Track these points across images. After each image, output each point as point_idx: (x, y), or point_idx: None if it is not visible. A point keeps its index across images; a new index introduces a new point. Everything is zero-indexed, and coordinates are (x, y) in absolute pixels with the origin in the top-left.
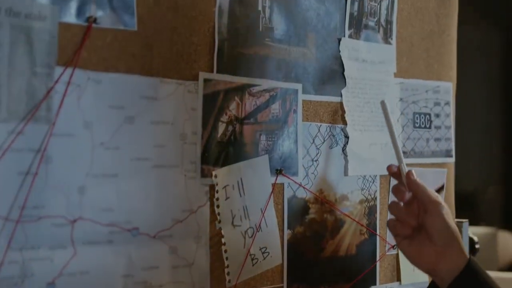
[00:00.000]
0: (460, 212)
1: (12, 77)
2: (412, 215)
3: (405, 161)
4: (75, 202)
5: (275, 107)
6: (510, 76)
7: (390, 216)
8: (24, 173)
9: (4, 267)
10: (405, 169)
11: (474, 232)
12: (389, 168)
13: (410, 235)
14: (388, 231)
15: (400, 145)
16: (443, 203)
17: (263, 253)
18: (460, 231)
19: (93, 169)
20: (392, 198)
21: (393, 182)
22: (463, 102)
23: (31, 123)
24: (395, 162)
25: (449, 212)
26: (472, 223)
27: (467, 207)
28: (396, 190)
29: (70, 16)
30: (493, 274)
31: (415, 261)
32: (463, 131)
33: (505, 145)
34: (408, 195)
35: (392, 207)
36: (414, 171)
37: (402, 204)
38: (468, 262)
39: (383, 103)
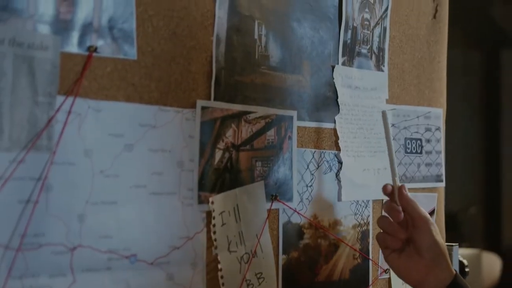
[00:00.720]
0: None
1: (14, 106)
2: (401, 229)
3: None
4: (74, 230)
5: (271, 133)
6: (490, 97)
7: (379, 230)
8: (25, 201)
9: None
10: (398, 184)
11: (459, 253)
12: (384, 187)
13: (398, 248)
14: (380, 253)
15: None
16: (431, 220)
17: (258, 278)
18: (450, 255)
19: (93, 196)
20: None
21: None
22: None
23: (32, 151)
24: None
25: (437, 229)
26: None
27: (449, 228)
28: (389, 208)
29: (72, 46)
30: None
31: (403, 275)
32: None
33: (485, 165)
34: (402, 215)
35: (381, 221)
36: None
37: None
38: (454, 278)
39: (384, 113)
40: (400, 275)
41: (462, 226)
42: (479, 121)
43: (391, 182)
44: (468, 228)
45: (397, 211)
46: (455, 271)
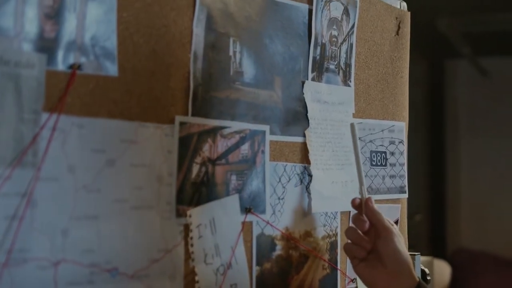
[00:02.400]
0: None
1: (1, 124)
2: (366, 239)
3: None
4: (58, 244)
5: (245, 148)
6: (434, 106)
7: (346, 240)
8: (10, 217)
9: None
10: (365, 193)
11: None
12: (353, 201)
13: (365, 258)
14: (348, 263)
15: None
16: (395, 230)
17: None
18: (413, 264)
19: (76, 211)
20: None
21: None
22: None
23: (18, 168)
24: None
25: (400, 240)
26: None
27: None
28: (356, 220)
29: (56, 64)
30: None
31: (369, 283)
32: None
33: (430, 173)
34: (367, 225)
35: (348, 231)
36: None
37: (360, 232)
38: (417, 285)
39: (352, 126)
40: (366, 284)
41: (408, 233)
42: (424, 130)
43: (357, 194)
44: (414, 235)
45: (363, 221)
46: (419, 278)
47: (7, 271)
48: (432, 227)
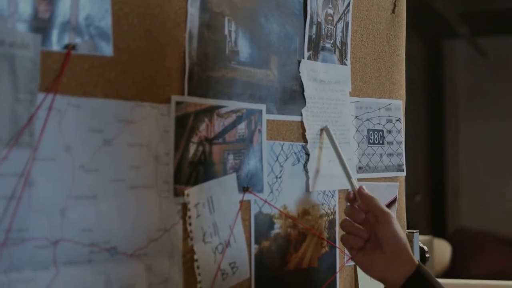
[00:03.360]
0: None
1: None
2: (363, 229)
3: (361, 175)
4: (56, 224)
5: (242, 127)
6: (431, 84)
7: (342, 232)
8: (8, 197)
9: None
10: (356, 185)
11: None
12: (348, 196)
13: (362, 247)
14: None
15: (355, 161)
16: (392, 214)
17: (232, 268)
18: (411, 241)
19: (74, 191)
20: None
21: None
22: None
23: (15, 148)
24: (353, 177)
25: (398, 223)
26: None
27: None
28: (351, 211)
29: (51, 44)
30: None
31: (368, 270)
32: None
33: (429, 152)
34: (363, 215)
35: (343, 224)
36: (364, 186)
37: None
38: (416, 268)
39: (326, 129)
40: (366, 271)
41: (409, 214)
42: (423, 110)
43: (355, 172)
44: (414, 215)
45: (358, 212)
46: (418, 261)
47: (6, 250)
48: (432, 207)
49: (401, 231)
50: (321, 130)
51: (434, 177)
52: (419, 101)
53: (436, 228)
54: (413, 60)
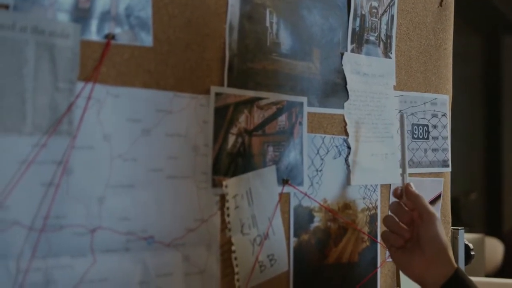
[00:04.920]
0: None
1: (36, 92)
2: (405, 228)
3: None
4: (94, 212)
5: (282, 119)
6: (490, 82)
7: (384, 228)
8: (47, 184)
9: (29, 274)
10: (406, 180)
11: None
12: (395, 191)
13: (402, 246)
14: None
15: (399, 156)
16: (437, 215)
17: (270, 260)
18: (456, 238)
19: (112, 180)
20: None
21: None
22: None
23: (54, 136)
24: (396, 172)
25: (441, 225)
26: None
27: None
28: (397, 209)
29: (90, 34)
30: (480, 279)
31: (406, 271)
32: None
33: (486, 151)
34: (407, 214)
35: (386, 220)
36: (412, 183)
37: (398, 221)
38: (455, 271)
39: (401, 116)
40: (403, 271)
41: (463, 212)
42: (480, 107)
43: (398, 167)
44: (469, 213)
45: (405, 211)
46: (457, 265)
47: (45, 237)
48: (487, 206)
49: (444, 233)
50: (401, 115)
51: (490, 175)
52: (477, 98)
53: (490, 227)
54: (470, 57)
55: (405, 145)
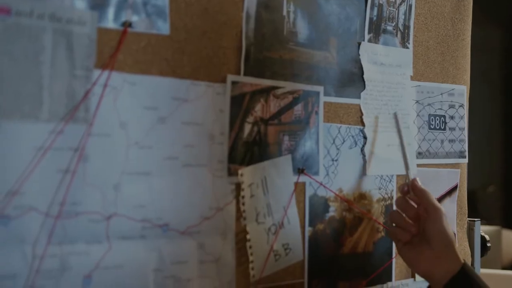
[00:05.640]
0: None
1: (53, 79)
2: (412, 223)
3: (421, 161)
4: (110, 199)
5: (298, 108)
6: (510, 74)
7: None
8: (63, 171)
9: (45, 260)
10: (412, 176)
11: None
12: (401, 188)
13: (409, 241)
14: None
15: (415, 147)
16: (444, 210)
17: (285, 249)
18: (473, 230)
19: (128, 167)
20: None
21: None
22: None
23: (70, 123)
24: (412, 162)
25: (447, 221)
26: None
27: (467, 205)
28: (403, 204)
29: (107, 21)
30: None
31: (413, 265)
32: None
33: (504, 144)
34: (413, 209)
35: (393, 215)
36: (425, 171)
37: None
38: (462, 266)
39: (395, 116)
40: (410, 266)
41: (480, 204)
42: (499, 100)
43: (414, 157)
44: (486, 206)
45: (411, 206)
46: (464, 260)
47: (60, 223)
48: (505, 199)
49: (450, 228)
50: (395, 114)
51: (509, 168)
52: (495, 91)
53: (508, 220)
54: (489, 49)
55: (404, 143)
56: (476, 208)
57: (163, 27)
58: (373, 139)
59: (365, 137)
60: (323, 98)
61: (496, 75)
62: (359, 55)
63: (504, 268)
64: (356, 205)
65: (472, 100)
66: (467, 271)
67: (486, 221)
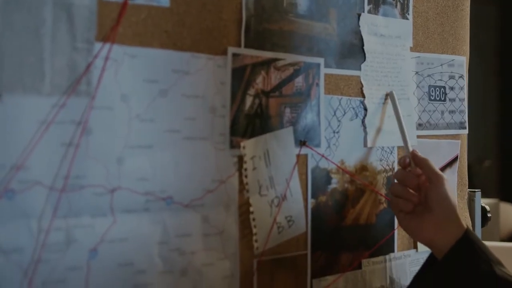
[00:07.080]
0: None
1: (54, 52)
2: (413, 193)
3: (421, 132)
4: (114, 172)
5: (299, 80)
6: (505, 49)
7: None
8: (66, 144)
9: (51, 233)
10: (410, 148)
11: None
12: (403, 161)
13: (410, 211)
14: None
15: (415, 118)
16: (445, 177)
17: (288, 221)
18: (473, 201)
19: (130, 140)
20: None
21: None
22: None
23: (73, 96)
24: (412, 134)
25: (450, 187)
26: None
27: None
28: (404, 175)
29: None
30: (495, 244)
31: (415, 234)
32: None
33: (500, 118)
34: (414, 179)
35: (393, 187)
36: (425, 142)
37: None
38: (465, 232)
39: (391, 95)
40: (413, 236)
41: (476, 178)
42: (495, 75)
43: (414, 128)
44: (483, 179)
45: (412, 176)
46: (466, 225)
47: (65, 196)
48: (501, 172)
49: (452, 194)
50: (386, 94)
51: (505, 142)
52: (493, 65)
53: (505, 192)
54: (486, 22)
55: (401, 119)
56: (472, 182)
57: None
58: (374, 111)
59: (365, 109)
60: (323, 70)
61: (492, 50)
62: (359, 26)
63: (502, 240)
64: (358, 177)
65: (469, 74)
66: (470, 236)
67: (483, 195)
